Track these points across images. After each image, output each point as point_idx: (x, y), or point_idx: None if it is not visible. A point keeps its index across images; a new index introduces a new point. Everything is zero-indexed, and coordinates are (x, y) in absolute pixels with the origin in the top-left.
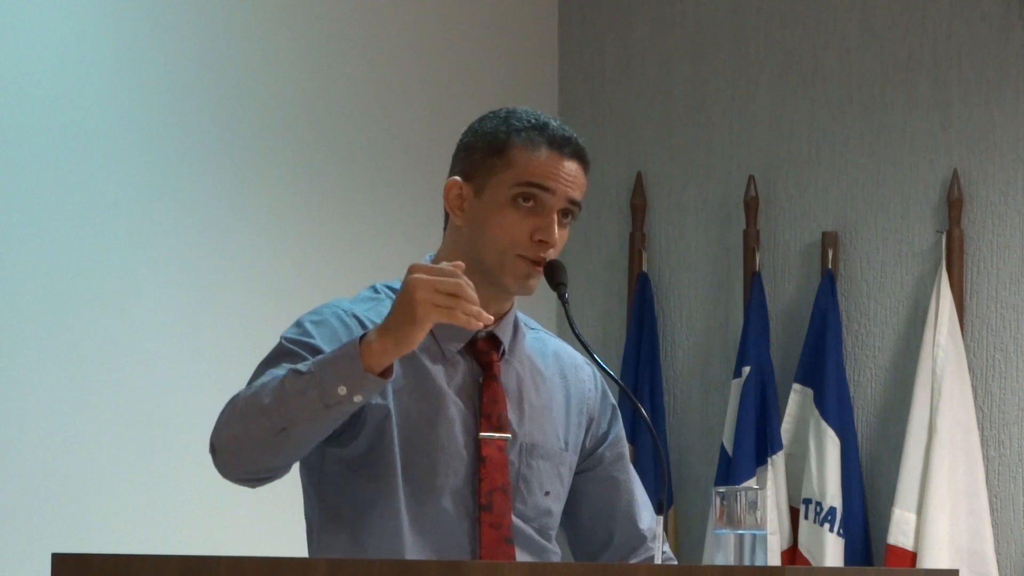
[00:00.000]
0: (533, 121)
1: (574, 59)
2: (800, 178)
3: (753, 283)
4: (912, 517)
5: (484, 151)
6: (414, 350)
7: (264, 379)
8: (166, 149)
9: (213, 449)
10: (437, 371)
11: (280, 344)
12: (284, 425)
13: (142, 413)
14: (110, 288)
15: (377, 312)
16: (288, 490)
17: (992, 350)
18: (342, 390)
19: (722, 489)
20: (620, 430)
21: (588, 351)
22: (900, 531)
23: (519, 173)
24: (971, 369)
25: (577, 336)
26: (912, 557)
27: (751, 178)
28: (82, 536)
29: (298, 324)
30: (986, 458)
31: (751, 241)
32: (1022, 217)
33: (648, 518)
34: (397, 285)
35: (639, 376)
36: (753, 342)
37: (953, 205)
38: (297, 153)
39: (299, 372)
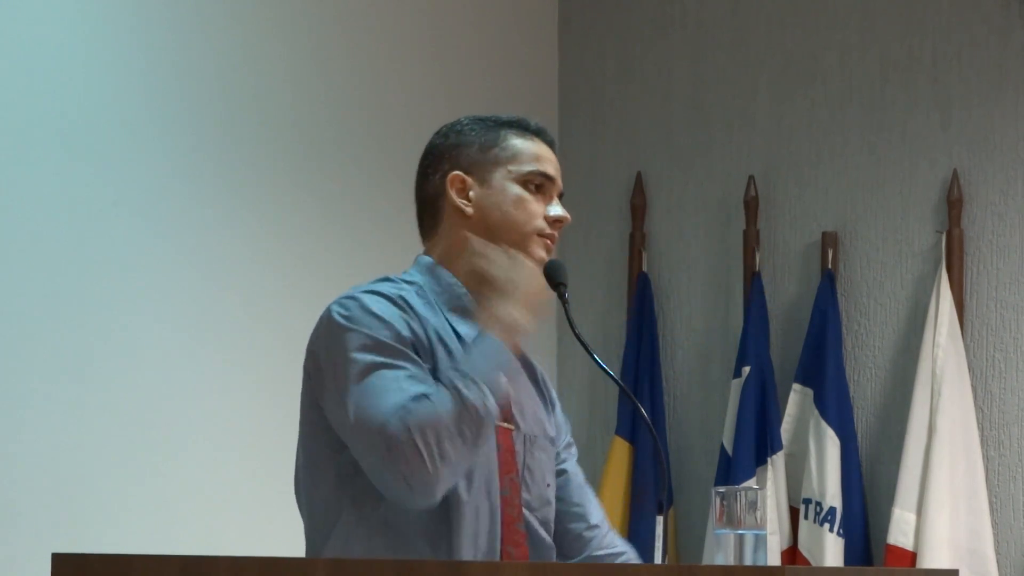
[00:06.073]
0: (509, 118)
1: (574, 59)
2: (800, 178)
3: (753, 283)
4: (912, 517)
5: (480, 145)
6: (439, 338)
7: (433, 396)
8: (166, 150)
9: (436, 472)
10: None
11: (371, 353)
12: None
13: (142, 413)
14: (110, 288)
15: (429, 300)
16: (288, 490)
17: (992, 350)
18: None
19: (722, 489)
20: (565, 417)
21: (588, 351)
22: (900, 531)
23: (523, 162)
24: (971, 369)
25: (577, 336)
26: (912, 557)
27: (751, 178)
28: (82, 536)
29: (365, 319)
30: (986, 458)
31: (751, 241)
32: (1022, 217)
33: (597, 512)
34: (411, 276)
35: (639, 376)
36: (753, 342)
37: (953, 205)
38: (298, 154)
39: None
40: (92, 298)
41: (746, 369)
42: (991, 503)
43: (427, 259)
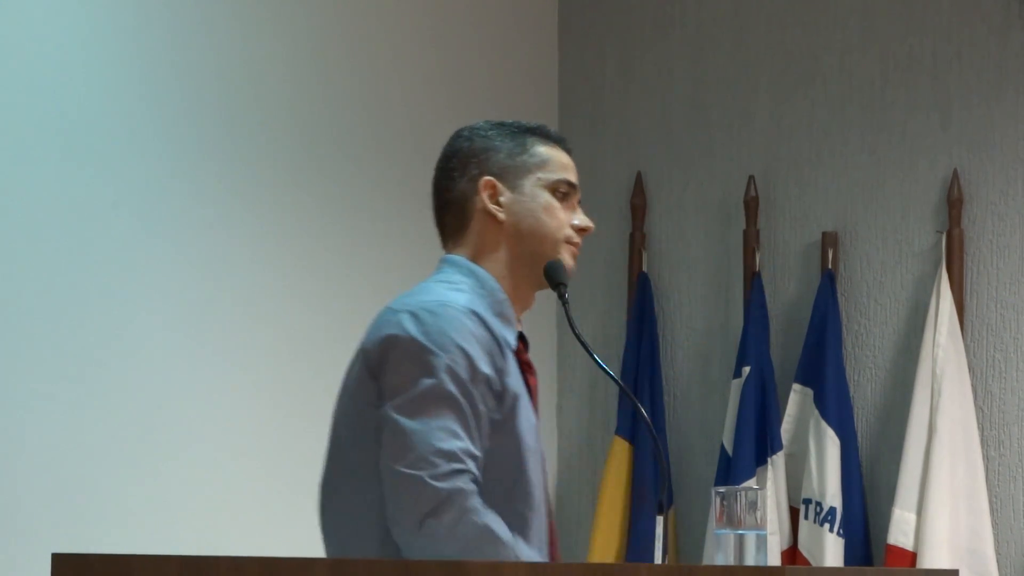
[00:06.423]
0: (530, 125)
1: (574, 59)
2: (800, 178)
3: (753, 283)
4: (912, 517)
5: (508, 151)
6: (501, 347)
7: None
8: (166, 150)
9: (442, 540)
10: (516, 368)
11: (447, 383)
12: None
13: (142, 413)
14: (110, 289)
15: (483, 306)
16: (288, 489)
17: (992, 350)
18: None
19: (722, 489)
20: None
21: (588, 351)
22: (900, 531)
23: (553, 170)
24: (971, 369)
25: (577, 336)
26: (912, 557)
27: (751, 178)
28: (82, 536)
29: (446, 343)
30: (986, 458)
31: (751, 241)
32: (1022, 217)
33: None
34: (454, 278)
35: (639, 376)
36: (753, 342)
37: (953, 205)
38: (298, 154)
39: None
40: (92, 299)
41: (746, 369)
42: (991, 503)
43: (462, 260)
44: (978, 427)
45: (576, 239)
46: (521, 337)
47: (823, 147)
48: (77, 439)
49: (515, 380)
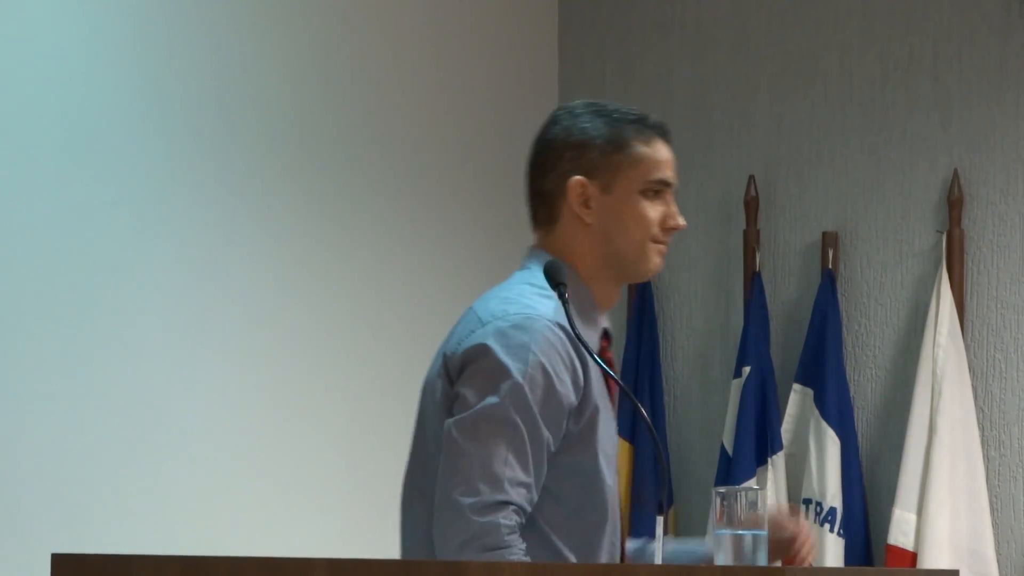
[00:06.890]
0: (628, 114)
1: (574, 59)
2: (800, 178)
3: (753, 283)
4: (912, 517)
5: (603, 149)
6: (584, 359)
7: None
8: (164, 150)
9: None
10: (599, 378)
11: (509, 408)
12: None
13: (142, 413)
14: (109, 289)
15: (562, 317)
16: (289, 490)
17: (992, 350)
18: None
19: (722, 489)
20: None
21: (588, 351)
22: (900, 531)
23: (647, 170)
24: (971, 369)
25: (577, 336)
26: (912, 557)
27: (751, 178)
28: (82, 536)
29: (528, 360)
30: (986, 458)
31: (751, 241)
32: (1022, 217)
33: None
34: (542, 280)
35: (639, 376)
36: (753, 342)
37: (953, 205)
38: (297, 154)
39: None
40: (91, 298)
41: (746, 369)
42: (991, 503)
43: (551, 257)
44: (978, 427)
45: (662, 238)
46: (605, 334)
47: (823, 147)
48: (77, 439)
49: (598, 391)
